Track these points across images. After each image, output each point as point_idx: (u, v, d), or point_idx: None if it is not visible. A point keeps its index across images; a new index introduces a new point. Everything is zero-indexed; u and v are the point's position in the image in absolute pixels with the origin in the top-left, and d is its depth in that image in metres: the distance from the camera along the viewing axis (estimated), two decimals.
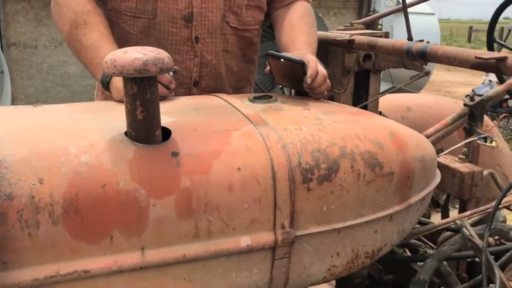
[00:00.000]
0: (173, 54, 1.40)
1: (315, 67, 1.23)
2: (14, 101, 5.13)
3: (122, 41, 1.41)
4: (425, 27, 7.00)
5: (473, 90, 7.51)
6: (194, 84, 1.46)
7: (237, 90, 1.56)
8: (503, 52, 1.89)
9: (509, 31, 8.45)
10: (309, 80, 1.20)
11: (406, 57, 1.35)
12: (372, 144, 1.00)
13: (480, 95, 1.68)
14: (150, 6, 1.39)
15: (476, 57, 1.04)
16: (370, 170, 0.98)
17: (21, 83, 5.36)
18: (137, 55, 0.83)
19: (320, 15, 5.58)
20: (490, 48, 1.86)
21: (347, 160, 0.96)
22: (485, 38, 1.96)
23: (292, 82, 1.27)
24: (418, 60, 1.33)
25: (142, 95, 0.85)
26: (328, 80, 1.27)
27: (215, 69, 1.49)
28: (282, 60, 1.23)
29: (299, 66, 1.19)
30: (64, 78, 5.46)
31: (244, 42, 1.53)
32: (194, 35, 1.42)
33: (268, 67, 1.29)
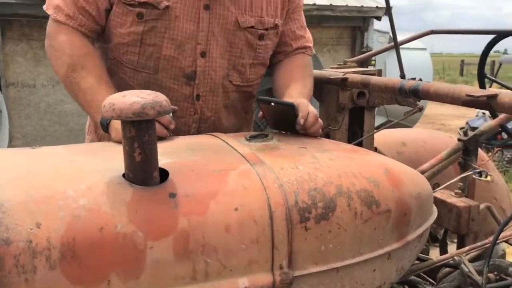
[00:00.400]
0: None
1: (306, 109, 1.26)
2: (11, 141, 5.15)
3: (120, 90, 1.40)
4: (417, 62, 7.14)
5: (467, 123, 7.58)
6: None
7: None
8: (494, 87, 1.93)
9: (500, 64, 8.62)
10: (301, 121, 1.22)
11: (399, 95, 1.37)
12: (368, 182, 1.01)
13: (474, 128, 1.71)
14: (152, 62, 1.39)
15: (467, 95, 1.07)
16: (367, 208, 0.98)
17: (19, 122, 5.40)
18: (135, 98, 0.85)
19: (314, 52, 5.70)
20: (481, 83, 1.89)
21: (343, 198, 0.97)
22: (477, 72, 2.00)
23: (286, 126, 1.29)
24: (411, 98, 1.35)
25: (140, 137, 0.87)
26: (320, 120, 1.29)
27: (214, 124, 1.49)
28: (272, 104, 1.26)
29: (290, 109, 1.22)
30: (61, 116, 5.50)
31: (245, 97, 1.55)
32: (196, 93, 1.43)
33: (261, 113, 1.32)
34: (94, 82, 1.32)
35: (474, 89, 1.11)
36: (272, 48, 1.52)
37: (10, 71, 5.23)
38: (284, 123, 1.29)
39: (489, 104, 1.04)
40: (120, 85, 1.40)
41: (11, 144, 5.13)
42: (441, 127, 10.54)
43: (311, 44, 1.65)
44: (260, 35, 1.47)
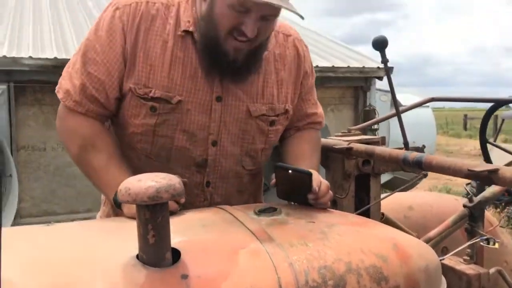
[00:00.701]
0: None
1: (319, 179, 1.29)
2: (20, 203, 5.18)
3: (133, 172, 1.37)
4: (420, 118, 7.25)
5: (466, 185, 7.54)
6: None
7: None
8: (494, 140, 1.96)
9: (503, 120, 8.72)
10: (316, 189, 1.24)
11: (402, 165, 1.41)
12: (377, 258, 1.03)
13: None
14: (164, 152, 1.42)
15: (469, 170, 1.10)
16: (376, 284, 0.99)
17: (28, 185, 5.45)
18: (150, 183, 0.89)
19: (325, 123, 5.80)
20: (484, 149, 1.93)
21: (353, 275, 0.98)
22: (479, 137, 2.05)
23: (296, 194, 1.32)
24: (414, 169, 1.39)
25: (154, 220, 0.90)
26: (330, 191, 1.32)
27: None
28: (290, 171, 1.28)
29: (306, 177, 1.25)
30: (69, 178, 5.55)
31: (256, 177, 1.59)
32: (206, 180, 1.45)
33: (274, 180, 1.33)
34: (105, 160, 1.35)
35: (475, 164, 1.15)
36: (282, 131, 1.56)
37: (21, 135, 5.35)
38: (295, 192, 1.31)
39: (491, 179, 1.07)
40: (133, 170, 1.38)
41: (19, 206, 5.15)
42: (447, 182, 10.49)
43: (322, 120, 1.67)
44: (271, 121, 1.49)
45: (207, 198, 1.47)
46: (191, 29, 1.38)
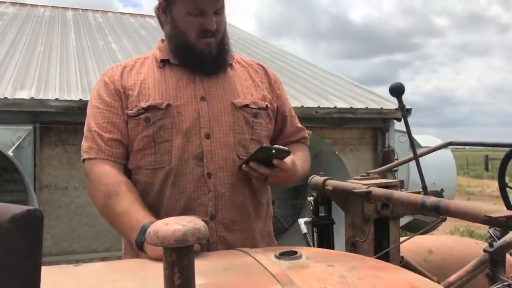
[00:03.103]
0: (188, 192, 1.53)
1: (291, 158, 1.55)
2: None
3: (145, 193, 1.57)
4: (440, 159, 7.19)
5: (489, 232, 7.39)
6: (210, 218, 1.54)
7: (256, 212, 1.68)
8: None
9: None
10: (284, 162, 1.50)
11: (421, 210, 1.43)
12: None
13: None
14: (166, 156, 1.55)
15: (486, 216, 1.12)
16: None
17: (48, 223, 5.52)
18: (177, 226, 0.93)
19: (336, 152, 5.82)
20: (503, 193, 1.94)
21: None
22: (498, 182, 2.05)
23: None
24: (432, 214, 1.41)
25: (180, 262, 0.94)
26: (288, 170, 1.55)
27: (230, 199, 1.58)
28: (273, 151, 1.49)
29: (284, 153, 1.50)
30: (90, 217, 5.62)
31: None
32: (206, 172, 1.55)
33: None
34: (128, 206, 1.44)
35: (492, 210, 1.16)
36: (265, 128, 1.73)
37: (44, 174, 5.46)
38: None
39: (508, 225, 1.09)
40: (143, 189, 1.57)
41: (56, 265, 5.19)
42: (469, 224, 10.29)
43: (307, 135, 1.94)
44: (254, 113, 1.68)
45: (211, 189, 1.55)
46: (166, 57, 1.67)
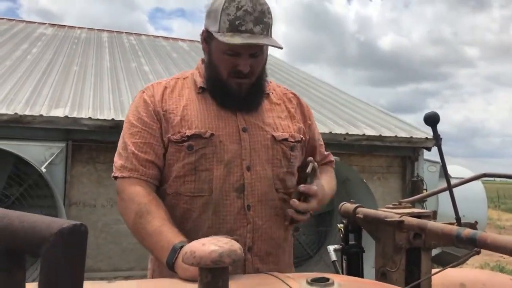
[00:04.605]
0: (228, 224, 1.55)
1: (319, 188, 1.62)
2: None
3: (183, 219, 1.57)
4: (470, 192, 7.03)
5: None
6: (248, 250, 1.57)
7: (285, 244, 1.73)
8: None
9: None
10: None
11: (455, 242, 1.40)
12: None
13: None
14: (206, 185, 1.56)
15: None
16: None
17: None
18: (214, 247, 0.94)
19: (364, 180, 5.76)
20: None
21: None
22: None
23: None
24: (467, 246, 1.38)
25: (215, 283, 0.94)
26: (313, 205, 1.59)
27: (266, 232, 1.61)
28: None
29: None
30: (115, 235, 5.67)
31: (287, 204, 1.69)
32: (246, 204, 1.57)
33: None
34: (159, 225, 1.44)
35: None
36: (299, 159, 1.76)
37: (74, 191, 5.56)
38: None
39: None
40: (182, 214, 1.57)
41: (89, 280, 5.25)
42: (500, 259, 9.97)
43: (332, 158, 1.99)
44: (291, 146, 1.70)
45: (250, 222, 1.57)
46: (204, 85, 1.67)
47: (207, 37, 1.62)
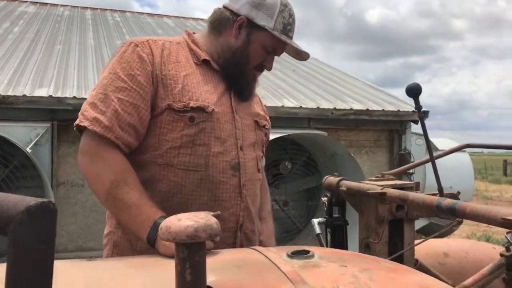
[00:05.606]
0: (224, 201, 1.53)
1: None
2: (56, 238, 5.29)
3: (171, 193, 1.49)
4: (457, 163, 7.11)
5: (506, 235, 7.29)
6: (239, 228, 1.59)
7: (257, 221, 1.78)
8: None
9: None
10: None
11: (436, 212, 1.41)
12: None
13: None
14: (203, 160, 1.52)
15: (502, 218, 1.10)
16: None
17: (64, 220, 5.59)
18: (189, 222, 0.93)
19: (351, 154, 5.78)
20: None
21: None
22: None
23: None
24: (447, 216, 1.39)
25: (191, 258, 0.94)
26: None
27: (252, 211, 1.65)
28: None
29: None
30: (105, 215, 5.65)
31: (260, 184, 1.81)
32: (242, 182, 1.59)
33: None
34: (137, 198, 1.39)
35: (509, 212, 1.14)
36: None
37: (61, 171, 5.53)
38: None
39: None
40: (170, 188, 1.49)
41: (56, 241, 5.25)
42: (486, 229, 10.15)
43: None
44: (265, 133, 1.83)
45: (243, 200, 1.59)
46: (208, 58, 1.66)
47: (248, 26, 1.63)
